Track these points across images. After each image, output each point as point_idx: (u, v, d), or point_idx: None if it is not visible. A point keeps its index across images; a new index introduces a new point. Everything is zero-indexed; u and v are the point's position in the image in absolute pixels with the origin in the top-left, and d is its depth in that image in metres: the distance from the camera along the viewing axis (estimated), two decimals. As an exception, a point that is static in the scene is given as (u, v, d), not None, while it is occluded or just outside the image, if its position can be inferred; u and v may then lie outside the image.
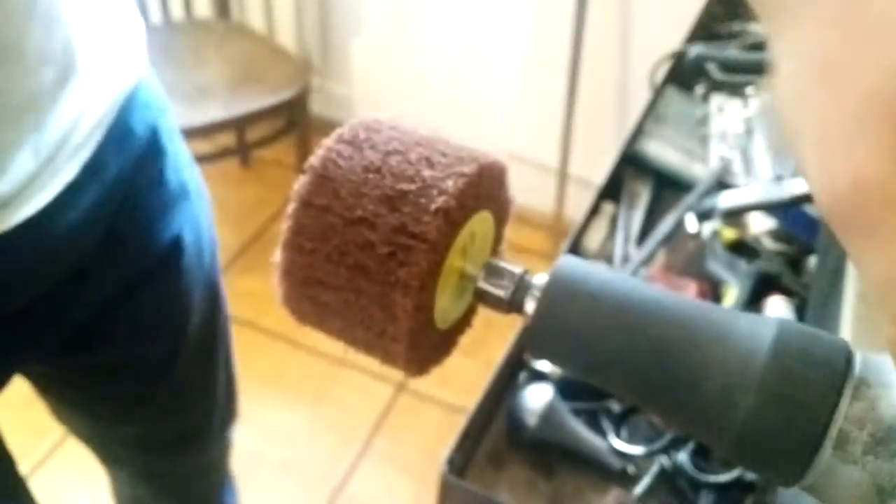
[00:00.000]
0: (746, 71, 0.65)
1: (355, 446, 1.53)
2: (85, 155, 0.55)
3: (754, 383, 0.30)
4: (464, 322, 0.42)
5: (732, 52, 0.73)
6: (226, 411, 0.92)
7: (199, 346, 0.80)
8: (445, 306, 0.37)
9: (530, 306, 0.35)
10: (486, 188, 0.37)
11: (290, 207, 0.35)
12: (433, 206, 0.33)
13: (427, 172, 0.34)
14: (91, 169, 0.55)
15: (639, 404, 0.34)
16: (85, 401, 0.80)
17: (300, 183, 0.35)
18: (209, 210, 0.78)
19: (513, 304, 0.37)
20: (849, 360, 0.31)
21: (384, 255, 0.33)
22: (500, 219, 0.42)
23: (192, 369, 0.81)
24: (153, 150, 0.64)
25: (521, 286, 0.37)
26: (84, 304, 0.64)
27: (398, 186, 0.34)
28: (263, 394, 1.60)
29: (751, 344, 0.31)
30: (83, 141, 0.54)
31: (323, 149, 0.36)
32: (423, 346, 0.37)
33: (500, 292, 0.37)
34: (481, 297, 0.38)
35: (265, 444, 1.51)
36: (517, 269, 0.37)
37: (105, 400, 0.79)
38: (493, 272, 0.38)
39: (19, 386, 0.83)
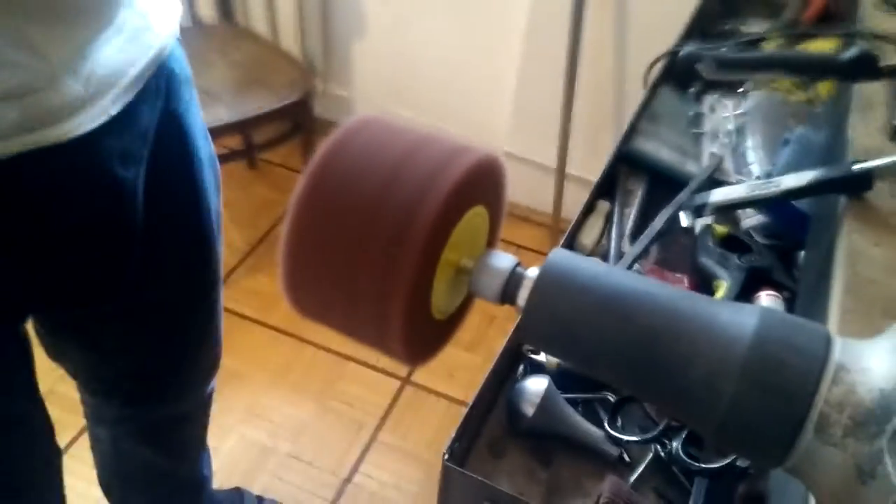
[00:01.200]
0: (736, 69, 0.68)
1: (362, 439, 1.56)
2: (126, 100, 0.65)
3: (736, 370, 0.32)
4: (461, 312, 0.44)
5: (722, 51, 0.75)
6: (210, 361, 1.02)
7: (201, 295, 0.91)
8: (442, 298, 0.40)
9: (523, 298, 0.38)
10: (480, 184, 0.39)
11: (289, 209, 0.37)
12: (427, 204, 0.35)
13: (421, 170, 0.36)
14: (129, 113, 0.66)
15: (629, 391, 0.37)
16: (89, 339, 0.86)
17: (298, 185, 0.37)
18: (218, 179, 0.87)
19: (505, 296, 0.39)
20: (828, 346, 0.33)
21: (379, 254, 0.35)
22: (496, 212, 0.44)
23: (192, 314, 0.92)
24: (172, 114, 0.73)
25: (514, 278, 0.39)
26: (113, 243, 0.72)
27: (392, 186, 0.36)
28: (272, 389, 1.64)
29: (734, 332, 0.33)
30: (126, 88, 0.64)
31: (320, 150, 0.38)
32: (421, 338, 0.40)
33: (494, 284, 0.40)
34: (475, 290, 0.40)
35: (274, 438, 1.55)
36: (510, 262, 0.40)
37: (106, 337, 0.86)
38: (487, 265, 0.40)
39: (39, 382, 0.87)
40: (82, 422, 1.05)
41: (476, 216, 0.40)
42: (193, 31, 1.83)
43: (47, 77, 0.57)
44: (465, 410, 0.68)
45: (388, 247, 0.35)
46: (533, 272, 0.38)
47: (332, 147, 0.38)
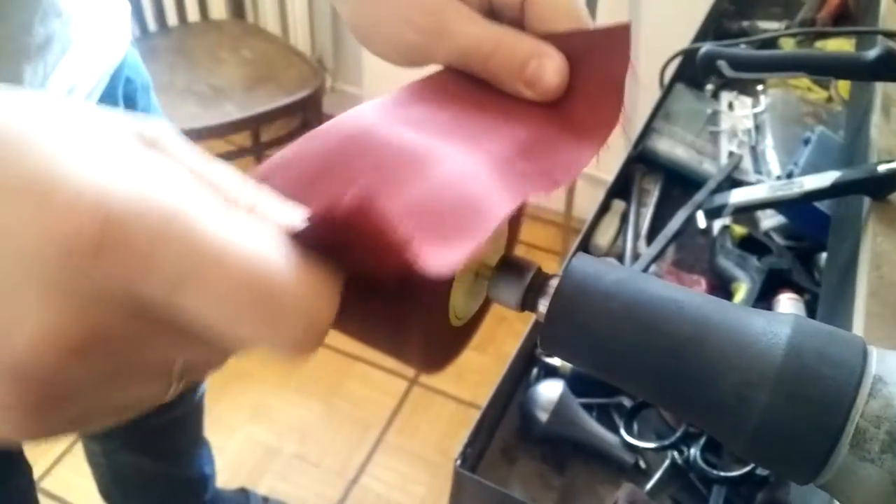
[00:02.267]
0: (756, 68, 0.66)
1: (369, 440, 1.55)
2: None
3: (770, 381, 0.30)
4: (478, 318, 0.42)
5: (742, 49, 0.73)
6: None
7: None
8: (459, 305, 0.38)
9: (543, 305, 0.36)
10: None
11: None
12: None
13: None
14: None
15: (654, 401, 0.35)
16: None
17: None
18: None
19: (525, 303, 0.38)
20: (865, 357, 0.31)
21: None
22: (514, 216, 0.43)
23: None
24: None
25: (534, 285, 0.38)
26: None
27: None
28: (278, 389, 1.62)
29: (766, 341, 0.31)
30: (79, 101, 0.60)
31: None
32: (438, 345, 0.38)
33: (513, 291, 0.38)
34: (494, 296, 0.39)
35: (280, 438, 1.54)
36: (530, 268, 0.38)
37: None
38: (506, 271, 0.38)
39: None
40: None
41: None
42: (204, 27, 1.82)
43: None
44: (473, 412, 0.67)
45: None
46: (554, 279, 0.37)
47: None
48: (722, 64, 0.67)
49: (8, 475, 0.81)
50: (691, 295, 0.34)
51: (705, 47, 0.68)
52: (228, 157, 1.85)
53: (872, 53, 0.63)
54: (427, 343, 0.36)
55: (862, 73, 0.64)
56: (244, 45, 1.78)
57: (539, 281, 0.37)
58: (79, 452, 1.45)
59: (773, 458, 0.32)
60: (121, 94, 0.69)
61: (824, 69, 0.64)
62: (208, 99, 1.63)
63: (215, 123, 1.57)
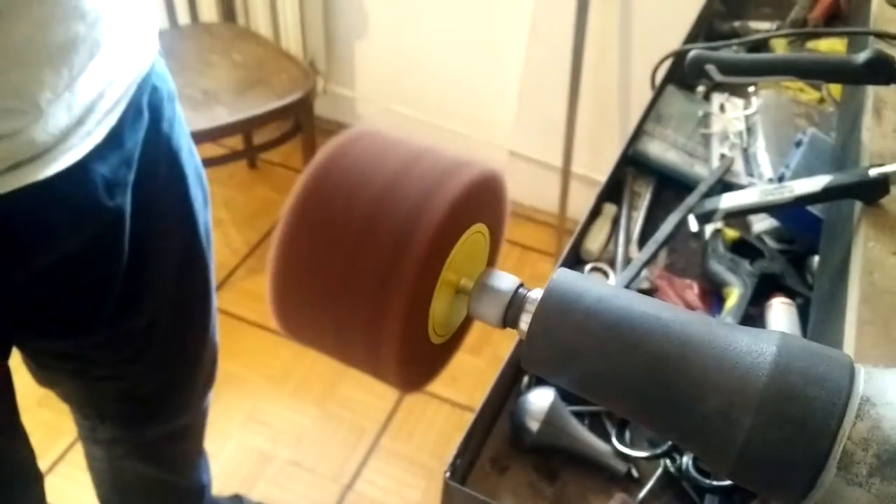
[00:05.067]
0: (745, 72, 0.65)
1: (364, 445, 1.54)
2: (110, 122, 0.62)
3: (755, 402, 0.30)
4: (460, 335, 0.41)
5: (731, 53, 0.72)
6: (206, 376, 0.99)
7: (194, 312, 0.89)
8: (440, 320, 0.37)
9: (525, 322, 0.35)
10: (480, 200, 0.37)
11: (279, 225, 0.34)
12: (425, 220, 0.33)
13: (419, 185, 0.33)
14: (113, 137, 0.63)
15: (637, 422, 0.34)
16: (78, 367, 0.84)
17: (289, 200, 0.35)
18: (206, 192, 0.84)
19: (507, 320, 0.37)
20: (852, 376, 0.30)
21: (373, 274, 0.32)
22: (496, 230, 0.42)
23: (186, 333, 0.90)
24: (156, 133, 0.70)
25: (516, 301, 0.37)
26: (99, 273, 0.70)
27: (388, 201, 0.33)
28: (271, 393, 1.62)
29: (751, 360, 0.30)
30: (109, 109, 0.62)
31: (311, 163, 0.35)
32: (417, 362, 0.37)
33: (495, 307, 0.37)
34: (475, 312, 0.38)
35: (274, 444, 1.53)
36: (512, 283, 0.37)
37: (97, 365, 0.82)
38: (487, 286, 0.37)
39: (32, 389, 0.85)
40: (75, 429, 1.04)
41: (476, 234, 0.37)
42: (195, 30, 1.81)
43: (34, 116, 0.54)
44: (468, 415, 0.66)
45: (382, 266, 0.33)
46: (536, 294, 0.36)
47: (325, 160, 0.35)
48: (711, 68, 0.66)
49: (28, 485, 0.81)
50: (676, 313, 0.33)
51: (694, 51, 0.67)
52: (221, 160, 1.84)
53: (862, 57, 0.62)
54: (405, 358, 0.35)
55: (852, 76, 0.63)
56: (235, 48, 1.77)
57: (520, 298, 0.36)
58: (71, 460, 1.44)
59: (759, 481, 0.31)
60: (146, 102, 0.68)
61: (814, 73, 0.63)
62: (199, 103, 1.62)
63: (207, 127, 1.56)
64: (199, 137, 1.56)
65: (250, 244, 1.96)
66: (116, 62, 0.62)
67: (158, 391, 0.92)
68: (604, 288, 0.34)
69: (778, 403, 0.31)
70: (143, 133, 0.69)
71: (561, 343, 0.34)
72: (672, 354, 0.32)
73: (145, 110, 0.69)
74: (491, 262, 0.40)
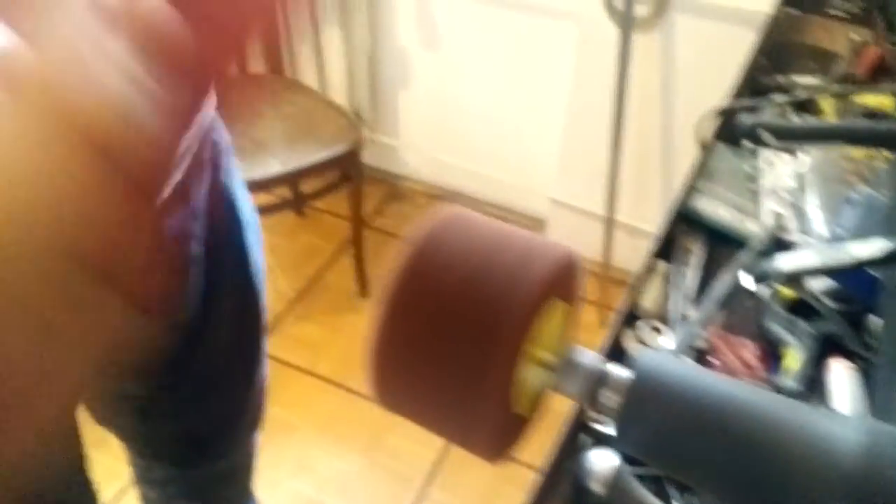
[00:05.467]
0: (799, 139, 0.67)
1: (411, 494, 1.55)
2: (175, 179, 0.65)
3: (844, 491, 0.31)
4: (540, 405, 0.43)
5: (785, 120, 0.74)
6: (257, 414, 1.01)
7: (250, 356, 0.92)
8: (521, 391, 0.39)
9: (611, 400, 0.37)
10: (559, 279, 0.39)
11: (378, 308, 0.37)
12: (517, 298, 0.35)
13: (510, 265, 0.36)
14: (180, 193, 0.66)
15: (721, 500, 0.35)
16: (138, 407, 0.87)
17: (390, 278, 0.37)
18: (259, 237, 0.87)
19: (592, 398, 0.39)
20: None
21: (468, 349, 0.35)
22: (572, 304, 0.44)
23: (242, 375, 0.92)
24: (216, 183, 0.74)
25: (600, 379, 0.38)
26: (172, 320, 0.74)
27: (480, 282, 0.36)
28: (319, 440, 1.63)
29: (843, 448, 0.32)
30: (174, 167, 0.62)
31: (407, 247, 0.38)
32: (504, 433, 0.39)
33: (579, 384, 0.39)
34: (560, 387, 0.40)
35: (321, 492, 1.54)
36: (596, 362, 0.39)
37: (157, 406, 0.86)
38: (573, 364, 0.39)
39: (89, 431, 0.87)
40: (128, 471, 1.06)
41: (556, 310, 0.40)
42: (243, 81, 1.88)
43: None
44: (516, 467, 0.67)
45: (476, 342, 0.35)
46: (619, 372, 0.38)
47: (422, 245, 0.38)
48: (765, 134, 0.68)
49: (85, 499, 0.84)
50: (761, 395, 0.35)
51: (747, 118, 0.69)
52: (271, 209, 1.89)
53: (920, 127, 0.63)
54: (493, 429, 0.37)
55: (908, 146, 0.64)
56: (283, 99, 1.83)
57: (603, 376, 0.38)
58: (129, 501, 1.47)
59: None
60: (208, 157, 0.72)
61: (868, 140, 0.65)
62: (250, 153, 1.67)
63: (259, 178, 1.61)
64: (251, 187, 1.61)
65: (297, 290, 1.99)
66: None
67: (213, 430, 0.95)
68: (688, 369, 0.36)
69: (868, 492, 0.32)
70: (208, 186, 0.72)
71: (652, 425, 0.35)
72: (761, 438, 0.33)
73: (207, 164, 0.72)
74: (569, 336, 0.42)
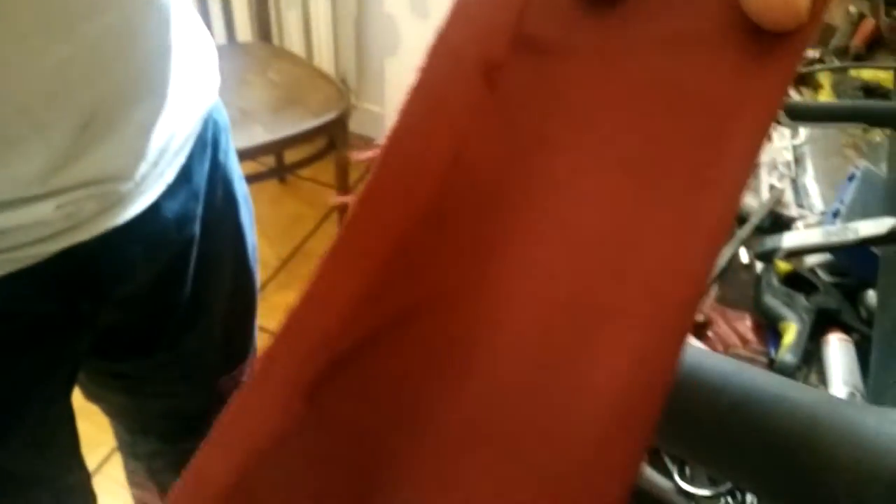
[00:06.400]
0: (814, 118, 0.66)
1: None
2: (180, 162, 0.65)
3: (885, 483, 0.31)
4: None
5: (800, 100, 0.73)
6: None
7: (241, 331, 0.92)
8: None
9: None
10: None
11: None
12: None
13: None
14: (183, 174, 0.66)
15: (759, 495, 0.35)
16: (130, 385, 0.86)
17: None
18: (252, 214, 0.87)
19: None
20: None
21: None
22: None
23: (233, 350, 0.92)
24: (215, 163, 0.73)
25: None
26: (168, 300, 0.73)
27: None
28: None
29: (882, 443, 0.32)
30: (179, 149, 0.64)
31: None
32: None
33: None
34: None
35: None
36: None
37: (149, 383, 0.85)
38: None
39: (73, 400, 0.86)
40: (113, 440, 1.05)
41: None
42: (231, 50, 1.83)
43: (120, 168, 0.57)
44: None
45: None
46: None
47: None
48: (779, 112, 0.67)
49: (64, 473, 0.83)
50: (799, 390, 0.34)
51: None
52: (257, 177, 1.86)
53: (932, 104, 0.63)
54: None
55: (921, 123, 0.64)
56: (270, 67, 1.79)
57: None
58: (108, 473, 1.46)
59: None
60: (210, 136, 0.70)
61: (883, 121, 0.64)
62: (237, 122, 1.63)
63: (245, 146, 1.58)
64: (239, 157, 1.59)
65: (281, 258, 1.98)
66: (186, 103, 0.64)
67: (202, 406, 0.94)
68: (727, 363, 0.35)
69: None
70: (208, 166, 0.70)
71: (688, 420, 0.34)
72: (799, 434, 0.33)
73: (209, 144, 0.71)
74: None
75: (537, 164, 0.23)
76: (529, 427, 0.21)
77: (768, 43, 0.22)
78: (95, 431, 0.94)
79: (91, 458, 1.47)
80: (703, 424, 0.35)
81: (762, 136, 0.22)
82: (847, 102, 0.91)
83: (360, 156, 1.59)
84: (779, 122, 0.64)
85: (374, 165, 0.23)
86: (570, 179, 0.23)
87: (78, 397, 0.86)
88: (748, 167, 0.22)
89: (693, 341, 0.84)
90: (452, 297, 0.22)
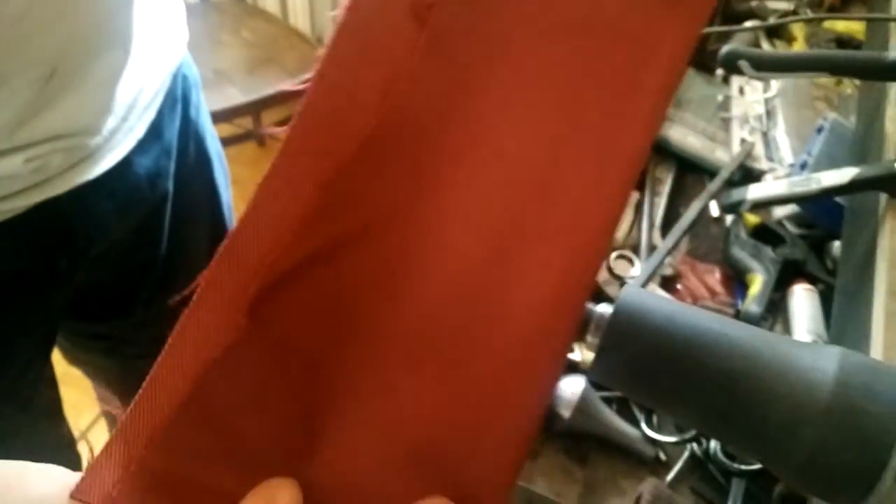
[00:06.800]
0: (779, 69, 0.66)
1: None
2: (149, 117, 0.65)
3: (818, 415, 0.32)
4: None
5: (764, 50, 0.73)
6: None
7: None
8: None
9: (592, 336, 0.37)
10: None
11: None
12: None
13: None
14: (153, 130, 0.66)
15: (703, 431, 0.36)
16: (112, 346, 0.87)
17: None
18: (227, 173, 0.87)
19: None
20: None
21: None
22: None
23: None
24: (186, 119, 0.73)
25: (584, 317, 0.39)
26: (143, 257, 0.74)
27: None
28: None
29: (814, 377, 0.33)
30: (148, 104, 0.64)
31: None
32: None
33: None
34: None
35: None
36: None
37: (130, 345, 0.85)
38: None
39: (55, 365, 0.87)
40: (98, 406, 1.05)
41: None
42: (205, 8, 1.80)
43: (87, 121, 0.57)
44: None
45: None
46: (604, 309, 0.38)
47: None
48: (744, 64, 0.67)
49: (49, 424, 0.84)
50: (740, 329, 0.35)
51: (727, 48, 0.68)
52: (234, 140, 1.84)
53: (893, 55, 0.63)
54: None
55: (883, 74, 0.64)
56: (245, 26, 1.76)
57: (588, 313, 0.38)
58: (93, 438, 1.47)
59: (820, 487, 0.34)
60: (180, 92, 0.70)
61: (846, 70, 0.64)
62: (211, 83, 1.62)
63: (220, 108, 1.56)
64: (213, 118, 1.57)
65: (262, 222, 1.97)
66: (154, 57, 0.64)
67: None
68: (671, 305, 0.36)
69: (840, 418, 0.33)
70: (179, 121, 0.70)
71: (632, 359, 0.35)
72: (738, 371, 0.34)
73: (179, 99, 0.70)
74: None
75: (468, 98, 0.24)
76: (463, 339, 0.23)
77: None
78: (80, 397, 0.95)
79: (76, 424, 1.48)
80: (649, 364, 0.36)
81: (678, 70, 0.23)
82: (810, 52, 0.92)
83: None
84: (742, 73, 0.65)
85: (305, 98, 0.24)
86: (499, 111, 0.24)
87: (62, 363, 0.87)
88: (665, 99, 0.23)
89: (662, 293, 0.85)
90: (390, 220, 0.24)
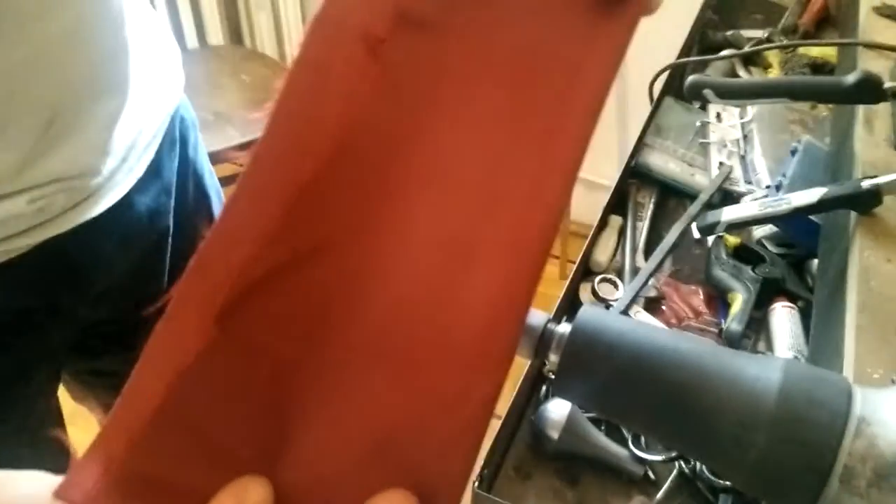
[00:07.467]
0: (740, 96, 0.70)
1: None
2: (149, 157, 0.67)
3: (764, 424, 0.34)
4: None
5: (726, 79, 0.77)
6: None
7: None
8: None
9: (554, 355, 0.40)
10: None
11: None
12: None
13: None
14: (153, 169, 0.68)
15: (658, 441, 0.38)
16: (113, 383, 0.89)
17: None
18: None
19: (538, 354, 0.41)
20: (850, 399, 0.35)
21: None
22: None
23: None
24: (185, 159, 0.76)
25: (545, 336, 0.41)
26: (144, 294, 0.74)
27: None
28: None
29: (760, 387, 0.35)
30: (147, 144, 0.67)
31: None
32: None
33: (526, 342, 0.41)
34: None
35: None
36: (541, 319, 0.42)
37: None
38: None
39: (63, 404, 0.89)
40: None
41: None
42: (203, 54, 1.85)
43: (88, 163, 0.60)
44: (495, 422, 0.70)
45: None
46: (563, 328, 0.40)
47: None
48: (708, 93, 0.70)
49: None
50: (689, 343, 0.37)
51: (692, 77, 0.71)
52: (234, 178, 1.88)
53: (851, 79, 0.67)
54: None
55: (842, 97, 0.67)
56: (243, 69, 1.81)
57: (549, 333, 0.41)
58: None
59: (769, 492, 0.36)
60: (178, 132, 0.73)
61: (806, 95, 0.67)
62: (211, 124, 1.66)
63: (219, 149, 1.60)
64: (213, 159, 1.61)
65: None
66: (151, 101, 0.67)
67: None
68: (625, 323, 0.38)
69: (785, 425, 0.35)
70: (178, 161, 0.74)
71: (588, 375, 0.38)
72: (687, 383, 0.36)
73: (177, 140, 0.74)
74: None
75: (418, 123, 0.28)
76: (417, 341, 0.25)
77: (606, 11, 0.27)
78: (86, 438, 0.97)
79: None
80: (605, 380, 0.38)
81: (603, 90, 0.26)
82: (770, 80, 0.95)
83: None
84: (708, 101, 0.68)
85: (267, 123, 0.26)
86: (446, 134, 0.27)
87: (71, 404, 0.89)
88: (592, 116, 0.26)
89: (646, 315, 0.88)
90: (350, 234, 0.27)
